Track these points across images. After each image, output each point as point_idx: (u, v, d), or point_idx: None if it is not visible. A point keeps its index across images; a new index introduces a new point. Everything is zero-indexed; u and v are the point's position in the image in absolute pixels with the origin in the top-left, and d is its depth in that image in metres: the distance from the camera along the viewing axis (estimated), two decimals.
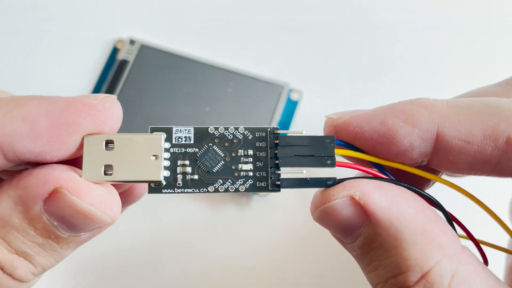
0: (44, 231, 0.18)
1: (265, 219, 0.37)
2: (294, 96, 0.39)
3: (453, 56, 0.42)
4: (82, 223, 0.18)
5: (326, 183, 0.19)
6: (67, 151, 0.18)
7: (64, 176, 0.18)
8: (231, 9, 0.44)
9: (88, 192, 0.18)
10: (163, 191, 0.19)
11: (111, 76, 0.41)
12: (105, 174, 0.19)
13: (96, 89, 0.41)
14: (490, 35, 0.43)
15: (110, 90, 0.40)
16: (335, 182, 0.19)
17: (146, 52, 0.41)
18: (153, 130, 0.20)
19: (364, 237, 0.18)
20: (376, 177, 0.20)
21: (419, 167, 0.22)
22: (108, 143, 0.19)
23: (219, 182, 0.20)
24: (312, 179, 0.19)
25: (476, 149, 0.18)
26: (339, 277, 0.35)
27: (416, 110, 0.19)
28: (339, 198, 0.18)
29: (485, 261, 0.21)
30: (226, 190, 0.19)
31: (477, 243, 0.20)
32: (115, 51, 0.42)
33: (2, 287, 0.18)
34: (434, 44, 0.42)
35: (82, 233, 0.19)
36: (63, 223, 0.18)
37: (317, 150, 0.19)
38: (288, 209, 0.37)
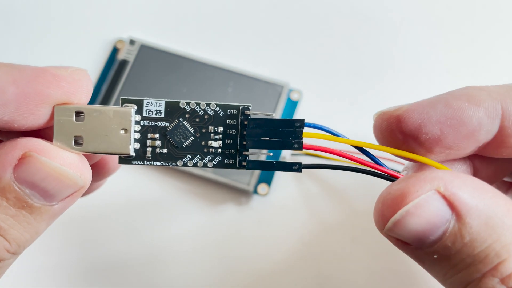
0: (17, 201, 0.18)
1: (265, 218, 0.37)
2: (294, 96, 0.39)
3: (453, 56, 0.42)
4: (54, 187, 0.18)
5: (292, 168, 0.19)
6: (35, 121, 0.18)
7: (32, 142, 0.18)
8: (231, 9, 0.44)
9: (58, 154, 0.18)
10: (133, 162, 0.19)
11: (111, 76, 0.41)
12: (76, 144, 0.19)
13: (96, 89, 0.41)
14: (490, 35, 0.43)
15: (110, 90, 0.40)
16: (300, 167, 0.19)
17: (146, 52, 0.41)
18: (124, 101, 0.20)
19: (452, 233, 0.17)
20: (355, 162, 0.20)
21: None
22: (79, 113, 0.19)
23: (188, 157, 0.20)
24: (277, 162, 0.19)
25: None
26: (339, 277, 0.35)
27: (475, 92, 0.19)
28: (424, 193, 0.17)
29: None
30: (195, 165, 0.20)
31: None
32: (115, 51, 0.42)
33: None
34: (434, 44, 0.42)
35: (54, 202, 0.18)
36: (35, 190, 0.18)
37: (286, 133, 0.19)
38: (288, 209, 0.37)
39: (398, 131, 0.20)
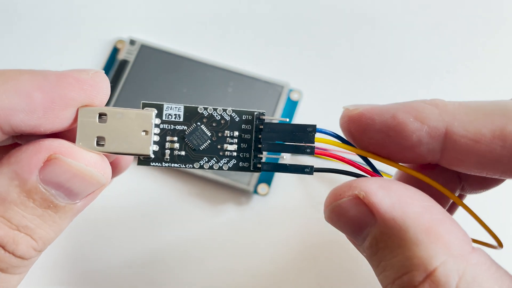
0: (43, 202, 0.18)
1: (265, 218, 0.37)
2: (294, 96, 0.39)
3: (453, 56, 0.42)
4: (79, 186, 0.19)
5: (304, 170, 0.20)
6: (60, 124, 0.19)
7: (56, 143, 0.19)
8: (231, 9, 0.44)
9: (82, 155, 0.19)
10: (151, 163, 0.20)
11: (111, 76, 0.41)
12: (98, 144, 0.19)
13: None
14: (490, 35, 0.43)
15: (110, 90, 0.40)
16: (312, 170, 0.20)
17: (146, 52, 0.41)
18: (144, 105, 0.20)
19: (372, 237, 0.18)
20: (360, 170, 0.21)
21: (423, 166, 0.22)
22: (101, 115, 0.20)
23: (205, 159, 0.20)
24: (291, 165, 0.20)
25: (485, 148, 0.18)
26: (339, 278, 0.35)
27: (427, 108, 0.19)
28: (345, 197, 0.18)
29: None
30: (211, 168, 0.20)
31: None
32: (115, 51, 0.42)
33: (4, 266, 0.18)
34: (434, 44, 0.42)
35: (78, 200, 0.19)
36: (61, 190, 0.18)
37: (299, 138, 0.20)
38: (288, 209, 0.37)
39: (346, 131, 0.21)
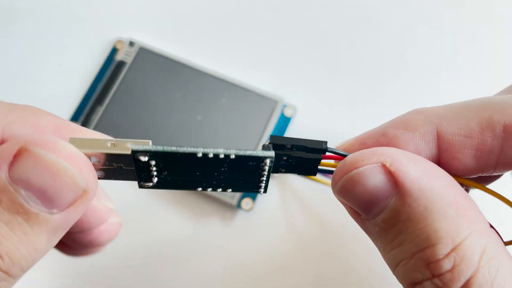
0: (11, 204, 0.15)
1: (249, 234, 0.36)
2: (288, 112, 0.39)
3: (453, 56, 0.42)
4: (53, 187, 0.16)
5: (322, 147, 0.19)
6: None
7: (34, 135, 0.17)
8: (233, 20, 0.43)
9: (56, 145, 0.16)
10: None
11: (107, 76, 0.41)
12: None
13: (91, 89, 0.41)
14: (490, 35, 0.42)
15: (105, 90, 0.40)
16: (326, 147, 0.19)
17: (145, 55, 0.41)
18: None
19: (391, 208, 0.17)
20: None
21: None
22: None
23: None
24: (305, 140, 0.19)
25: (477, 141, 0.18)
26: None
27: (414, 117, 0.19)
28: (368, 164, 0.17)
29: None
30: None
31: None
32: (114, 51, 0.42)
33: None
34: (434, 44, 0.42)
35: (54, 210, 0.16)
36: (31, 190, 0.16)
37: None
38: (272, 225, 0.36)
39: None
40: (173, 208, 0.37)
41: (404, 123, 0.19)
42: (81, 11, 0.44)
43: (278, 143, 0.19)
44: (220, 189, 0.19)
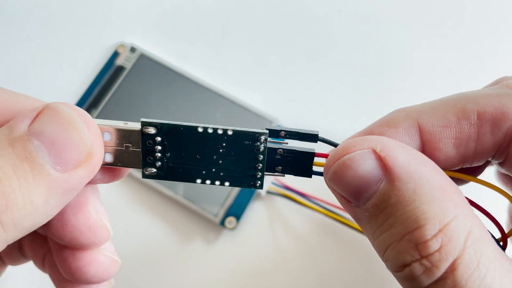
0: (22, 150, 0.17)
1: (233, 253, 0.36)
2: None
3: (453, 56, 0.41)
4: (62, 140, 0.17)
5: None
6: None
7: (60, 102, 0.18)
8: (235, 34, 0.43)
9: (78, 110, 0.18)
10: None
11: (106, 80, 0.41)
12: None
13: (89, 91, 0.40)
14: (489, 34, 0.42)
15: (101, 94, 0.40)
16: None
17: (145, 62, 0.41)
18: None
19: (381, 193, 0.18)
20: None
21: None
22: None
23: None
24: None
25: (455, 130, 0.20)
26: None
27: (395, 114, 0.21)
28: (360, 150, 0.18)
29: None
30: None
31: (491, 216, 0.21)
32: (115, 55, 0.42)
33: None
34: (434, 44, 0.42)
35: (58, 166, 0.17)
36: (43, 140, 0.17)
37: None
38: (255, 243, 0.36)
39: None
40: (156, 221, 0.37)
41: (387, 121, 0.20)
42: (85, 13, 0.44)
43: (273, 129, 0.21)
44: (218, 182, 0.21)
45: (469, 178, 0.21)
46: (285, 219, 0.37)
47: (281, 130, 0.21)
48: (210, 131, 0.20)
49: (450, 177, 0.19)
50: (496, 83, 0.23)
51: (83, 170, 0.18)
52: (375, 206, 0.18)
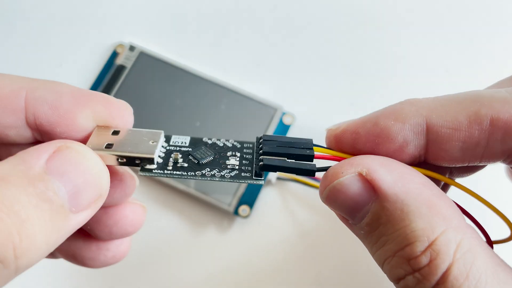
0: (43, 191, 0.16)
1: (247, 242, 0.36)
2: (286, 120, 0.39)
3: (453, 56, 0.42)
4: (82, 180, 0.18)
5: (307, 169, 0.20)
6: (75, 130, 0.20)
7: (68, 140, 0.19)
8: (233, 27, 0.43)
9: (92, 153, 0.19)
10: (153, 171, 0.21)
11: (107, 80, 0.41)
12: (106, 147, 0.20)
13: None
14: (489, 34, 0.43)
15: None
16: (314, 169, 0.20)
17: (145, 59, 0.41)
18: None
19: (372, 213, 0.19)
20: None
21: (418, 165, 0.22)
22: (115, 132, 0.21)
23: (207, 169, 0.21)
24: (293, 162, 0.21)
25: (464, 134, 0.19)
26: None
27: (404, 108, 0.20)
28: (347, 175, 0.19)
29: (490, 244, 0.21)
30: (212, 176, 0.21)
31: (479, 225, 0.21)
32: (114, 55, 0.42)
33: None
34: (434, 44, 0.42)
35: (73, 208, 0.17)
36: (63, 181, 0.17)
37: (298, 147, 0.21)
38: (270, 231, 0.36)
39: (337, 149, 0.21)
40: (170, 215, 0.37)
41: (395, 114, 0.20)
42: (83, 13, 0.44)
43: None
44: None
45: (448, 181, 0.21)
46: (298, 202, 0.37)
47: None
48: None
49: (428, 176, 0.19)
50: None
51: (91, 211, 0.18)
52: (369, 225, 0.19)
